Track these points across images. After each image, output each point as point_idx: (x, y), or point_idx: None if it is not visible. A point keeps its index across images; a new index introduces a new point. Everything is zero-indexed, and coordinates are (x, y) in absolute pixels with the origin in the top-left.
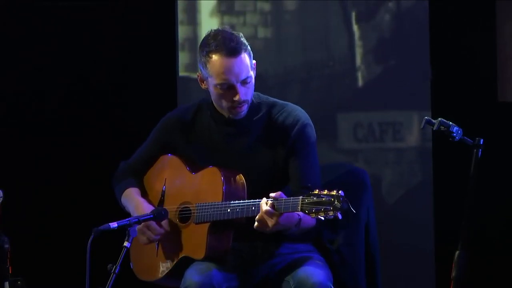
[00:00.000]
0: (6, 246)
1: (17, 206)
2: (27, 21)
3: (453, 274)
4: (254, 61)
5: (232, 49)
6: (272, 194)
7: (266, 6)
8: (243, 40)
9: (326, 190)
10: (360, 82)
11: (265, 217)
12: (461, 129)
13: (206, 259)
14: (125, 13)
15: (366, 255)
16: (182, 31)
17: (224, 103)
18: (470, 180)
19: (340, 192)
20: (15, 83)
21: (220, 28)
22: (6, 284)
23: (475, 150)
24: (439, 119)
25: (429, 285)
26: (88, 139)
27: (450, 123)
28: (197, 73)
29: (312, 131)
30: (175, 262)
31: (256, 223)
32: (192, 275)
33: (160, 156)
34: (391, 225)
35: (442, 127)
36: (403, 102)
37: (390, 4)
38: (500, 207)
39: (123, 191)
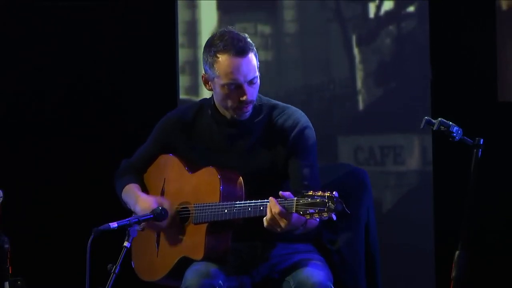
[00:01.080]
0: (6, 246)
1: (17, 206)
2: (27, 21)
3: (453, 274)
4: (258, 62)
5: (240, 49)
6: (281, 192)
7: (267, 29)
8: (250, 40)
9: (320, 191)
10: (361, 105)
11: (277, 217)
12: (461, 129)
13: (205, 259)
14: (125, 13)
15: (366, 255)
16: (183, 54)
17: (230, 103)
18: (470, 180)
19: (334, 193)
20: (15, 83)
21: (226, 28)
22: (6, 284)
23: (475, 150)
24: (439, 119)
25: (429, 285)
26: (88, 139)
27: (450, 123)
28: (201, 74)
29: (311, 133)
30: (175, 262)
31: (266, 223)
32: (192, 275)
33: (160, 155)
34: (391, 225)
35: (442, 127)
36: (404, 125)
37: (391, 28)
38: (500, 207)
39: (123, 187)
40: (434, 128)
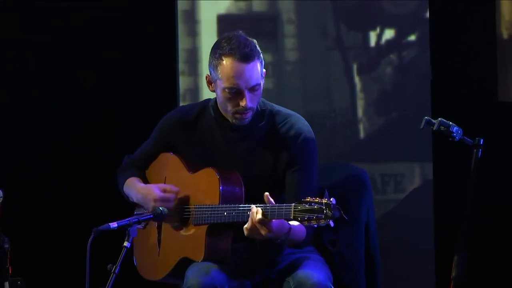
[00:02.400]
0: (6, 246)
1: (17, 206)
2: (27, 21)
3: (453, 274)
4: (264, 70)
5: (245, 55)
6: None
7: (268, 57)
8: (257, 47)
9: (317, 198)
10: (362, 134)
11: (258, 226)
12: (461, 129)
13: (205, 260)
14: (125, 13)
15: (366, 255)
16: (184, 82)
17: (230, 108)
18: (470, 180)
19: (331, 200)
20: (15, 83)
21: (235, 32)
22: (6, 284)
23: (475, 150)
24: (439, 119)
25: (429, 285)
26: (88, 139)
27: (450, 123)
28: (206, 75)
29: (313, 145)
30: (176, 262)
31: (246, 231)
32: (194, 275)
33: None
34: (391, 225)
35: (442, 127)
36: (404, 154)
37: (392, 56)
38: (500, 207)
39: (125, 181)
40: (434, 128)
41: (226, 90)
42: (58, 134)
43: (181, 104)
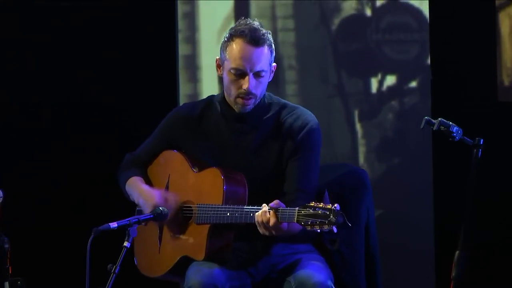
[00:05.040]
0: (6, 246)
1: (17, 206)
2: (27, 21)
3: (453, 274)
4: (274, 64)
5: (255, 38)
6: (271, 204)
7: None
8: (270, 37)
9: (322, 203)
10: None
11: (267, 226)
12: (461, 129)
13: (206, 260)
14: (125, 13)
15: (366, 255)
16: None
17: (233, 91)
18: (470, 180)
19: (336, 206)
20: (15, 83)
21: (252, 19)
22: (6, 284)
23: (475, 150)
24: (439, 119)
25: (429, 285)
26: (88, 139)
27: (450, 123)
28: (216, 58)
29: (318, 136)
30: (176, 260)
31: (261, 230)
32: (194, 275)
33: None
34: (391, 225)
35: (442, 127)
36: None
37: (393, 103)
38: (500, 207)
39: (127, 180)
40: (434, 128)
41: (231, 71)
42: (58, 134)
43: (181, 103)
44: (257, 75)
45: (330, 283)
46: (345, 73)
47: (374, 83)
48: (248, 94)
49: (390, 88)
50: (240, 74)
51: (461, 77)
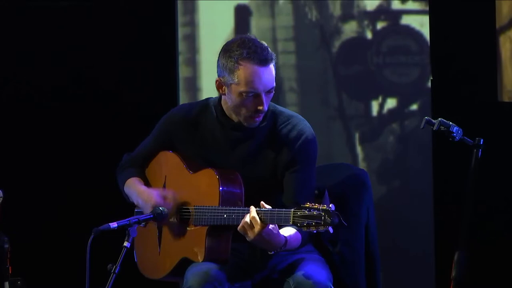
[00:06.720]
0: (6, 246)
1: (17, 206)
2: (27, 21)
3: (453, 274)
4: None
5: (264, 59)
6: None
7: None
8: (269, 49)
9: (317, 204)
10: None
11: (246, 226)
12: (461, 129)
13: (205, 261)
14: (125, 13)
15: (366, 255)
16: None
17: (244, 111)
18: (470, 180)
19: (331, 206)
20: (15, 83)
21: (246, 35)
22: (6, 284)
23: (475, 150)
24: (439, 119)
25: (429, 285)
26: (88, 139)
27: (450, 123)
28: (216, 79)
29: (314, 147)
30: (176, 262)
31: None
32: (193, 276)
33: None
34: (391, 225)
35: (442, 127)
36: (406, 224)
37: (394, 126)
38: (500, 207)
39: (125, 181)
40: (434, 128)
41: (243, 94)
42: (58, 134)
43: (181, 103)
44: (269, 92)
45: (329, 283)
46: (346, 96)
47: (375, 105)
48: (262, 112)
49: (391, 111)
50: (253, 96)
51: (461, 77)
